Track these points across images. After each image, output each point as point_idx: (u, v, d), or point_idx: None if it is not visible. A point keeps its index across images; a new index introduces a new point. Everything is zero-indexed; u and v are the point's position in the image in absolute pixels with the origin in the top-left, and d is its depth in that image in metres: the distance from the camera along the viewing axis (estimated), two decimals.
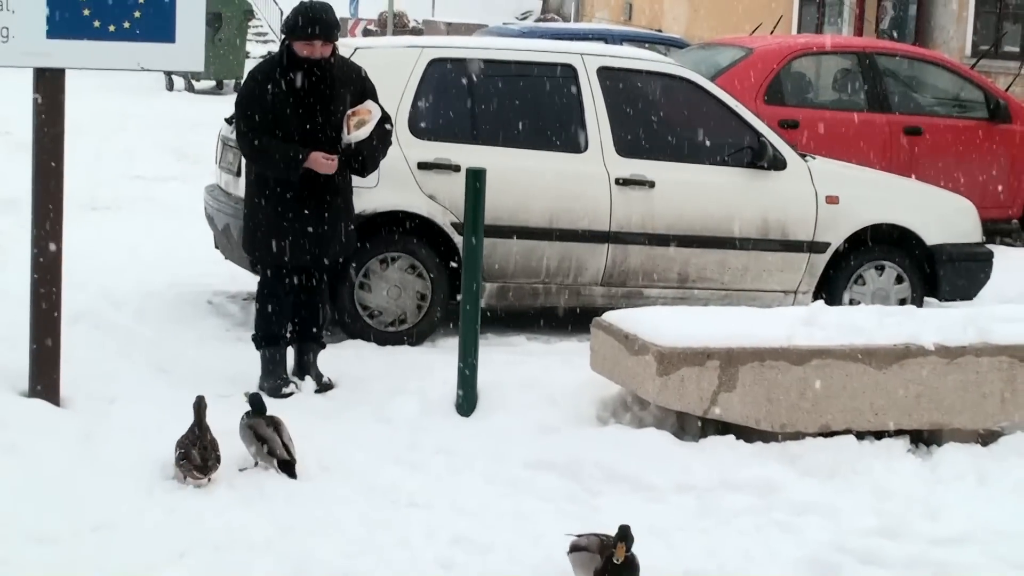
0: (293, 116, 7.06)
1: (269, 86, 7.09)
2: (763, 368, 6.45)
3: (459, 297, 7.15)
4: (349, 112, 7.13)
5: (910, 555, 5.35)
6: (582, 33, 17.59)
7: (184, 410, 5.97)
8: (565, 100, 8.81)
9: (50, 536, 5.11)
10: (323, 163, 7.01)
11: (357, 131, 7.11)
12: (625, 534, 4.78)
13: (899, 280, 9.28)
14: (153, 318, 8.63)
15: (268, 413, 6.06)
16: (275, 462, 5.89)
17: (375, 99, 7.27)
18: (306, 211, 7.13)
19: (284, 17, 7.21)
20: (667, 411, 6.61)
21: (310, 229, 7.15)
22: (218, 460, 5.76)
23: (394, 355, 7.98)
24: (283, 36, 7.24)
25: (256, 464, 5.95)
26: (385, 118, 7.27)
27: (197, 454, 5.72)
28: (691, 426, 6.63)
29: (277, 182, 7.09)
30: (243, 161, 7.65)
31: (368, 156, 7.23)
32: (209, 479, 5.72)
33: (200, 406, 5.89)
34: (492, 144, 8.61)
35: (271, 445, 5.90)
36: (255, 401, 6.10)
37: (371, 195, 8.11)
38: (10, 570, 4.85)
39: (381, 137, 7.26)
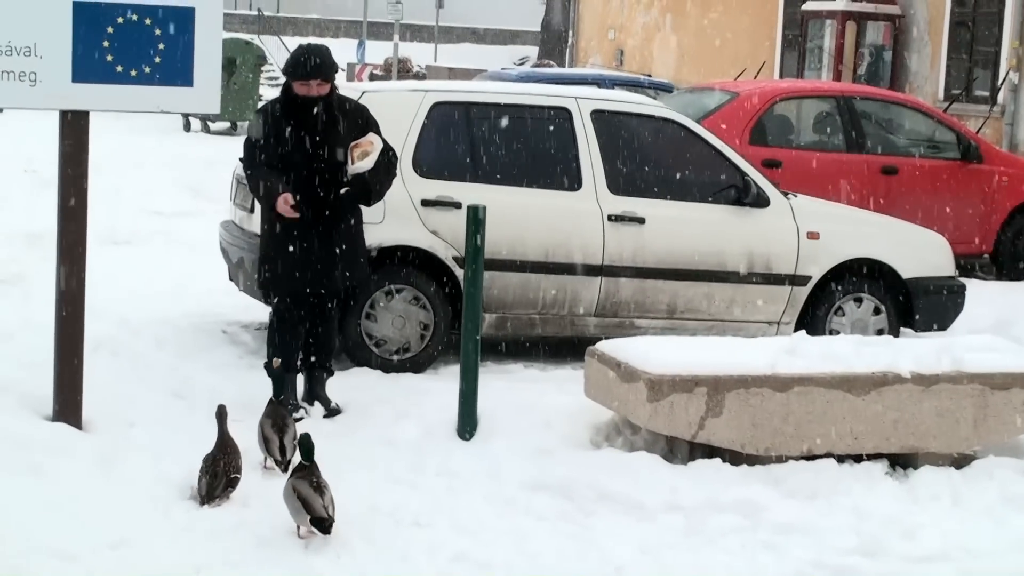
0: (294, 150, 7.06)
1: (271, 121, 7.10)
2: (748, 395, 6.45)
3: (460, 327, 7.15)
4: (352, 144, 7.10)
5: (887, 573, 5.34)
6: (576, 77, 17.60)
7: (199, 433, 5.96)
8: (560, 141, 8.82)
9: (70, 553, 5.09)
10: (283, 208, 6.95)
11: (361, 162, 7.07)
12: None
13: (876, 311, 9.28)
14: (170, 346, 8.61)
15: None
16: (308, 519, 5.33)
17: (378, 133, 7.24)
18: (314, 242, 7.13)
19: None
20: (657, 435, 6.61)
21: (317, 260, 7.14)
22: (230, 484, 5.73)
23: (398, 382, 7.96)
24: (284, 77, 7.25)
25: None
26: (387, 148, 7.23)
27: (205, 484, 5.72)
28: (680, 450, 6.62)
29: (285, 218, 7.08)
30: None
31: (374, 186, 7.21)
32: (221, 500, 5.71)
33: (221, 415, 5.88)
34: (491, 182, 8.62)
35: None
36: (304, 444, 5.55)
37: (377, 230, 8.09)
38: None
39: (386, 167, 7.23)
